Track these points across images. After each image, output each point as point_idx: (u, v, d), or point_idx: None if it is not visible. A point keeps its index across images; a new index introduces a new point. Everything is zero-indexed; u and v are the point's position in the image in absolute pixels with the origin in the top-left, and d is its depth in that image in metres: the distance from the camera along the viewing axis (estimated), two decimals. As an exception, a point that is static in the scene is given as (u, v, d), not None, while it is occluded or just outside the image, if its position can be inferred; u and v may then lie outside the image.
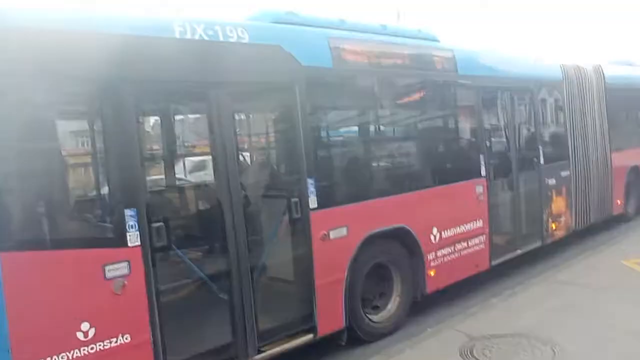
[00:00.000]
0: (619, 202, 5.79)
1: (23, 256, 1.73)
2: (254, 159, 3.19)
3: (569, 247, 5.17)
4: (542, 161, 4.60)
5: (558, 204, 4.87)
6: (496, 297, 3.71)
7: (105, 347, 1.87)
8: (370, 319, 3.16)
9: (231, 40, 2.43)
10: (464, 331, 2.97)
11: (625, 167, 5.87)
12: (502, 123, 4.48)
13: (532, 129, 4.76)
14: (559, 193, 4.89)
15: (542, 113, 4.98)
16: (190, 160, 3.40)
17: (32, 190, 1.94)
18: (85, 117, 2.40)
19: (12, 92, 1.68)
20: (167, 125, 2.97)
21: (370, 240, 3.02)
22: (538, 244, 4.61)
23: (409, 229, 3.27)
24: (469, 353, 2.67)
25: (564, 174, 4.95)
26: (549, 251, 4.89)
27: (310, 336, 2.69)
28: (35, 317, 1.71)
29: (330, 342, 2.92)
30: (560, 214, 4.91)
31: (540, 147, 4.68)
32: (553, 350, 2.57)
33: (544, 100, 5.01)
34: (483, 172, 3.93)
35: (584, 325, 2.92)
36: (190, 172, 3.58)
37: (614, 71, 5.92)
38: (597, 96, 5.47)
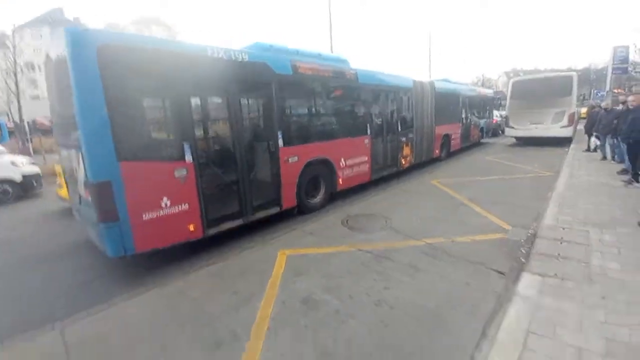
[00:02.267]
0: (437, 151, 10.32)
1: (134, 164, 3.37)
2: (251, 122, 5.43)
3: (410, 174, 8.83)
4: (399, 128, 8.19)
5: (406, 150, 8.54)
6: (366, 196, 6.57)
7: (174, 211, 3.72)
8: (309, 202, 5.78)
9: (239, 59, 4.45)
10: (346, 211, 5.57)
11: (441, 134, 10.46)
12: (380, 108, 7.57)
13: (395, 112, 8.13)
14: (407, 144, 8.55)
15: (401, 104, 8.42)
16: (217, 122, 5.45)
17: (143, 128, 3.75)
18: (167, 97, 3.89)
19: (143, 83, 3.60)
20: (205, 103, 4.90)
21: (309, 164, 5.55)
22: (394, 169, 8.20)
23: (329, 159, 6.03)
24: (346, 222, 4.98)
25: (410, 135, 8.71)
26: (401, 175, 8.53)
27: (278, 209, 5.10)
28: (140, 195, 3.43)
29: (288, 213, 5.47)
30: (407, 155, 8.63)
31: (399, 122, 8.20)
32: (385, 219, 5.01)
33: (403, 98, 8.44)
34: (368, 132, 7.03)
35: (404, 209, 5.55)
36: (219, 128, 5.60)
37: (439, 84, 10.36)
38: (429, 96, 9.53)
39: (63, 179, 5.12)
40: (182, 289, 3.27)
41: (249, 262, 3.78)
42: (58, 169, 5.99)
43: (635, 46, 19.21)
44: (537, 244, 3.71)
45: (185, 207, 3.80)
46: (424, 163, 9.71)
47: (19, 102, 16.57)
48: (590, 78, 51.22)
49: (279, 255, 3.83)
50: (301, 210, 5.58)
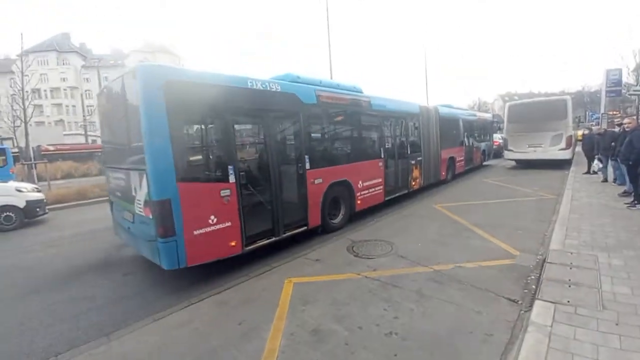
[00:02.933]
0: (443, 173, 10.71)
1: (189, 185, 3.80)
2: (281, 147, 5.40)
3: (413, 198, 8.83)
4: (409, 152, 8.67)
5: (415, 172, 8.95)
6: (369, 222, 6.54)
7: (220, 227, 4.09)
8: (331, 222, 6.14)
9: (273, 89, 4.98)
10: (351, 238, 5.46)
11: (446, 157, 10.90)
12: (391, 132, 8.08)
13: (405, 136, 8.61)
14: (416, 167, 8.96)
15: (410, 128, 8.86)
16: (254, 146, 5.68)
17: (196, 153, 4.29)
18: (215, 124, 4.39)
19: (198, 113, 4.13)
20: (244, 129, 5.56)
21: (332, 186, 5.96)
22: (405, 191, 8.55)
23: (349, 180, 6.42)
24: (351, 249, 4.94)
25: (419, 158, 9.11)
26: (403, 199, 8.44)
27: (305, 227, 5.47)
28: (193, 212, 3.81)
29: (313, 232, 5.80)
30: (416, 177, 9.04)
31: (408, 145, 8.69)
32: (391, 245, 4.98)
33: (410, 122, 8.90)
34: (382, 156, 7.51)
35: (408, 235, 5.54)
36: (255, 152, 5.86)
37: (443, 109, 10.86)
38: (434, 120, 9.96)
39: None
40: (185, 318, 3.20)
41: (254, 291, 3.71)
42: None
43: (628, 68, 19.76)
44: (547, 270, 3.66)
45: (228, 224, 4.18)
46: (427, 187, 9.84)
47: (26, 127, 16.82)
48: (584, 100, 52.42)
49: (286, 283, 3.77)
50: (324, 229, 5.93)
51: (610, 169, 8.87)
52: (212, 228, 4.00)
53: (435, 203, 7.78)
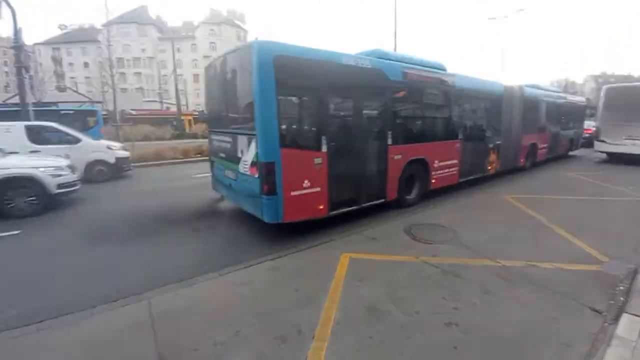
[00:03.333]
0: (522, 160, 10.06)
1: (289, 150, 4.26)
2: (367, 121, 5.58)
3: (482, 185, 8.14)
4: (488, 134, 8.31)
5: (492, 156, 8.53)
6: (429, 206, 6.27)
7: (311, 191, 4.53)
8: (406, 197, 6.24)
9: (362, 65, 5.18)
10: (409, 220, 5.30)
11: (528, 142, 10.10)
12: (471, 113, 7.80)
13: (485, 118, 8.29)
14: (493, 151, 8.52)
15: (491, 110, 8.43)
16: (343, 119, 5.55)
17: (296, 122, 4.78)
18: (313, 97, 4.74)
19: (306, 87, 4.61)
20: (336, 103, 5.23)
21: (410, 162, 6.07)
22: (480, 174, 8.25)
23: (426, 159, 6.46)
24: (409, 231, 4.77)
25: (497, 142, 8.61)
26: (476, 184, 8.00)
27: (383, 200, 5.70)
28: (291, 175, 4.29)
29: (389, 205, 5.93)
30: (493, 161, 8.61)
31: (488, 127, 8.33)
32: (453, 232, 4.71)
33: (493, 103, 8.43)
34: (460, 137, 7.34)
35: (473, 224, 5.22)
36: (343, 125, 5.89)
37: (528, 90, 9.90)
38: (518, 102, 9.27)
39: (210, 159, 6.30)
40: (246, 279, 3.40)
41: (310, 261, 3.80)
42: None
43: None
44: (639, 281, 3.15)
45: (318, 189, 4.61)
46: (503, 172, 9.23)
47: (114, 93, 18.92)
48: None
49: (342, 257, 3.79)
50: (399, 204, 6.07)
51: None
52: (305, 191, 4.49)
53: (507, 193, 7.10)
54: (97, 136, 12.67)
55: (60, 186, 6.29)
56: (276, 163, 4.14)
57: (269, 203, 4.20)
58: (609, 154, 11.92)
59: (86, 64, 53.86)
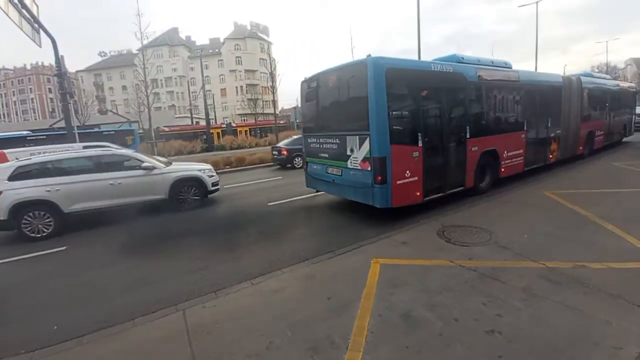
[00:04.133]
0: (580, 148, 10.18)
1: (396, 146, 5.09)
2: (450, 118, 6.14)
3: (521, 180, 7.85)
4: (549, 125, 8.57)
5: (553, 145, 8.84)
6: (461, 206, 6.09)
7: (411, 180, 5.34)
8: (480, 185, 6.82)
9: (446, 70, 5.98)
10: (441, 222, 5.14)
11: (586, 131, 10.25)
12: (534, 105, 8.09)
13: (546, 109, 8.44)
14: (554, 140, 8.85)
15: (552, 100, 8.66)
16: (431, 117, 6.26)
17: (401, 122, 5.33)
18: (412, 99, 5.61)
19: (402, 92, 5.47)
20: (427, 103, 5.91)
21: (483, 153, 6.67)
22: (542, 163, 8.58)
23: (497, 149, 7.01)
24: (442, 233, 4.64)
25: (558, 132, 8.93)
26: (511, 182, 7.55)
27: (462, 187, 6.35)
28: (397, 167, 5.13)
29: (467, 192, 6.53)
30: (554, 150, 8.92)
31: (549, 118, 8.55)
32: (489, 233, 4.50)
33: (553, 94, 8.71)
34: (525, 128, 7.82)
35: (511, 223, 4.99)
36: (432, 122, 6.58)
37: (585, 79, 10.12)
38: (576, 92, 9.49)
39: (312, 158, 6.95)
40: (278, 286, 3.43)
41: (341, 268, 3.76)
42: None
43: None
44: None
45: (415, 178, 5.44)
46: (562, 162, 9.37)
47: (149, 112, 20.15)
48: None
49: (372, 264, 3.72)
50: (475, 191, 6.72)
51: None
52: (407, 180, 5.34)
53: (546, 190, 6.69)
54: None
55: (213, 185, 7.80)
56: (387, 157, 5.02)
57: (380, 191, 5.09)
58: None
59: (124, 87, 57.90)
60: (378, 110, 4.87)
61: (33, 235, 6.06)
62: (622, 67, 63.07)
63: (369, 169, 5.13)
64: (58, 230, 6.21)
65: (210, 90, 52.33)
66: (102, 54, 65.64)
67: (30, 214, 6.05)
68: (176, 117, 44.66)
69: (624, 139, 13.51)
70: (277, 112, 60.12)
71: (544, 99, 8.25)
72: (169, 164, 7.73)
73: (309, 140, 6.74)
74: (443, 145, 5.91)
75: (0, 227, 6.05)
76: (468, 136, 6.26)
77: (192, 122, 40.43)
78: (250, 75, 59.47)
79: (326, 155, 6.23)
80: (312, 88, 6.45)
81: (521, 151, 7.68)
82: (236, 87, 59.55)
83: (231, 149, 25.12)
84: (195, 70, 55.82)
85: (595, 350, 2.23)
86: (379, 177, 5.03)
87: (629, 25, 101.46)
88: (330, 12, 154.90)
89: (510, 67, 7.73)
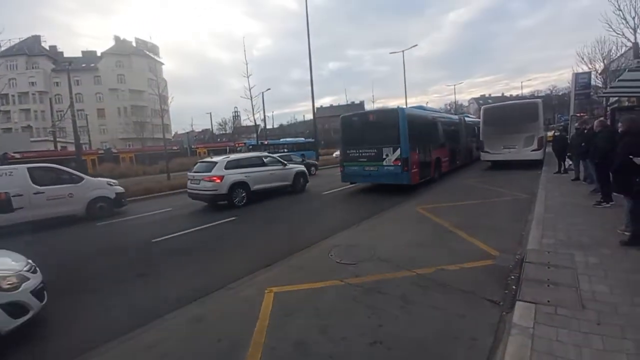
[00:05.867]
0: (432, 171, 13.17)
1: (412, 152, 9.86)
2: (428, 138, 11.47)
3: (396, 198, 7.56)
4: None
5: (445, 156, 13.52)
6: (350, 225, 6.53)
7: (415, 170, 10.25)
8: (435, 176, 12.09)
9: (426, 115, 12.45)
10: (330, 242, 5.59)
11: (434, 157, 12.62)
12: (443, 132, 13.67)
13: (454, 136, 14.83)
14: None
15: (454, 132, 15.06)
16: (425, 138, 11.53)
17: (415, 141, 10.21)
18: (422, 130, 11.21)
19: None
20: (429, 132, 11.95)
21: (437, 158, 12.30)
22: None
23: (440, 157, 12.47)
24: (332, 254, 4.85)
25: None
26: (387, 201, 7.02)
27: (429, 177, 11.53)
28: (412, 162, 9.89)
29: (430, 180, 11.63)
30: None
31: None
32: (372, 250, 4.90)
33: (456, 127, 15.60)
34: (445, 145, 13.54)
35: (390, 238, 5.95)
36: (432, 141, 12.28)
37: (416, 111, 12.99)
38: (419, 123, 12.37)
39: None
40: (153, 341, 2.97)
41: (233, 303, 3.55)
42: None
43: (597, 71, 20.81)
44: (526, 270, 3.71)
45: (416, 170, 10.07)
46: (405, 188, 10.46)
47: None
48: (552, 103, 55.16)
49: (266, 294, 3.62)
50: (431, 180, 11.39)
51: (581, 168, 9.26)
52: (414, 170, 9.90)
53: (417, 205, 7.86)
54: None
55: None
56: (408, 157, 9.52)
57: (406, 175, 9.54)
58: (492, 162, 14.22)
59: (-50, 103, 44.30)
60: (404, 134, 9.50)
61: (237, 204, 9.41)
62: (467, 105, 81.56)
63: (399, 164, 9.48)
64: (247, 201, 9.66)
65: (82, 110, 44.47)
66: None
67: (237, 190, 9.44)
68: (33, 141, 36.21)
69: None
70: (171, 137, 55.36)
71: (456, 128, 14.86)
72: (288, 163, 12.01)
73: (348, 152, 10.68)
74: (425, 153, 10.76)
75: (222, 198, 9.28)
76: (433, 148, 11.55)
77: (56, 147, 33.47)
78: (136, 96, 53.43)
79: (364, 160, 10.26)
80: (353, 121, 10.85)
81: (447, 158, 13.06)
82: (118, 108, 52.57)
83: (112, 177, 21.63)
84: (62, 86, 47.14)
85: (456, 343, 2.63)
86: (405, 168, 9.44)
87: (470, 71, 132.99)
88: (224, 39, 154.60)
89: (445, 114, 15.44)
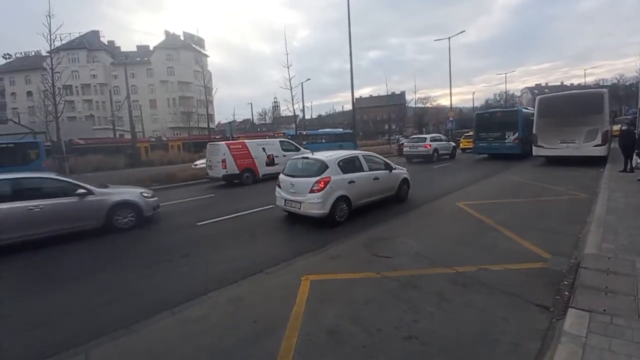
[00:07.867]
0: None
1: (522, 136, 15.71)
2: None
3: (436, 192, 6.59)
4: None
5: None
6: (388, 218, 6.49)
7: (524, 146, 15.81)
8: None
9: (523, 110, 17.23)
10: (368, 235, 5.43)
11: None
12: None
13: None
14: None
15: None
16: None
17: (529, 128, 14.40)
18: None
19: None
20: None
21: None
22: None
23: None
24: (369, 246, 4.86)
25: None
26: (428, 192, 6.57)
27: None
28: (522, 139, 15.58)
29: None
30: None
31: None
32: (410, 244, 4.83)
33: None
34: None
35: (429, 233, 5.64)
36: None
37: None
38: None
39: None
40: (202, 313, 3.22)
41: (270, 288, 3.69)
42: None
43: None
44: (582, 275, 3.41)
45: (524, 146, 15.33)
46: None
47: (57, 122, 17.50)
48: (619, 94, 49.24)
49: (303, 281, 3.72)
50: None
51: None
52: (523, 146, 15.25)
53: (459, 201, 7.51)
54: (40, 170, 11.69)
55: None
56: (522, 137, 15.15)
57: (520, 148, 15.28)
58: (547, 157, 13.11)
59: (29, 93, 50.03)
60: (521, 124, 15.27)
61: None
62: (519, 95, 75.48)
63: (517, 142, 15.18)
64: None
65: (137, 101, 48.20)
66: (7, 57, 55.86)
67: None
68: (95, 129, 39.92)
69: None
70: (214, 126, 58.03)
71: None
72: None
73: (480, 134, 16.67)
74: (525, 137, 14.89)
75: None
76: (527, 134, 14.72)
77: (115, 135, 36.62)
78: (184, 87, 56.56)
79: (492, 139, 16.04)
80: (484, 115, 17.34)
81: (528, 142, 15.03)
82: (168, 99, 56.00)
83: (161, 164, 23.29)
84: (120, 79, 51.22)
85: (496, 346, 2.52)
86: (521, 145, 15.00)
87: (523, 59, 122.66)
88: (265, 31, 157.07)
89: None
